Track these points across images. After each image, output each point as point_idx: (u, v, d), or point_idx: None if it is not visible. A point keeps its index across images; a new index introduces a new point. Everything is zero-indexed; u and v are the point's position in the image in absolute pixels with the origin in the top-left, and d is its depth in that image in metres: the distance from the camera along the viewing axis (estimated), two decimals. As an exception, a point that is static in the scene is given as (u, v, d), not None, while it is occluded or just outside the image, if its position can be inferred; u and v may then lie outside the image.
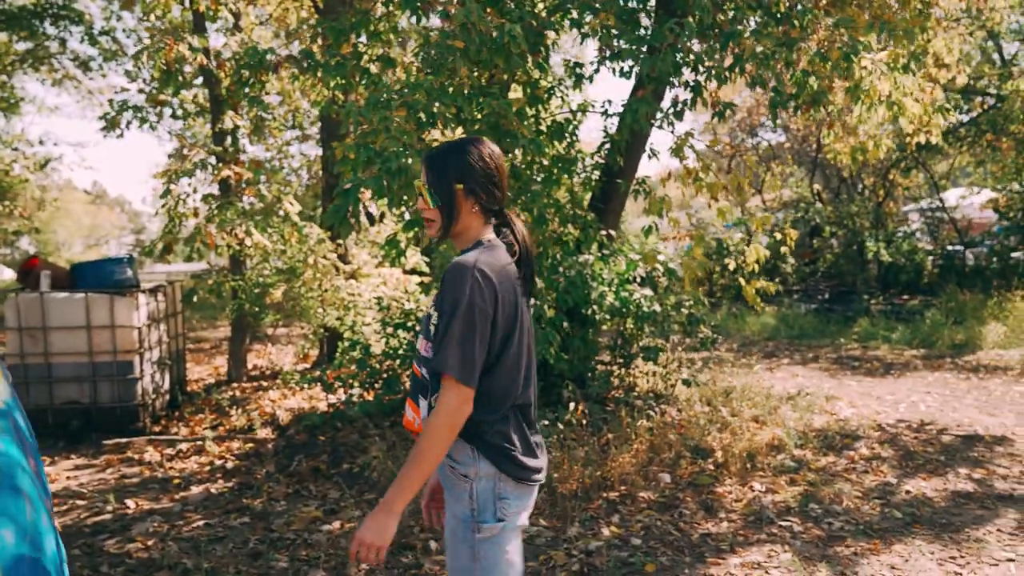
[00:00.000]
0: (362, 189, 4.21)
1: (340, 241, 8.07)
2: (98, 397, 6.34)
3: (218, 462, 5.60)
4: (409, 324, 5.97)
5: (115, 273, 6.71)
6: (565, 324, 5.67)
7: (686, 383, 5.94)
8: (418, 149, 4.28)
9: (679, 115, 5.53)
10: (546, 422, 5.37)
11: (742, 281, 6.33)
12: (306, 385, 6.05)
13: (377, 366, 5.87)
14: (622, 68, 5.20)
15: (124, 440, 6.12)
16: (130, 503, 4.76)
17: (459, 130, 5.33)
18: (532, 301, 5.39)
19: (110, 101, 7.12)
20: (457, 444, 1.98)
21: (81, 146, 28.77)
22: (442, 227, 2.03)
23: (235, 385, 7.69)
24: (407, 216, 5.43)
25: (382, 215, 8.66)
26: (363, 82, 5.00)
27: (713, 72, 5.22)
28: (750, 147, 22.27)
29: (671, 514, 4.37)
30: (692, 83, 5.28)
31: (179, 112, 7.94)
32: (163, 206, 7.33)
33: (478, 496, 1.98)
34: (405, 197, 4.45)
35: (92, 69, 15.97)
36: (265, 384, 7.97)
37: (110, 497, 4.80)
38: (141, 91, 7.69)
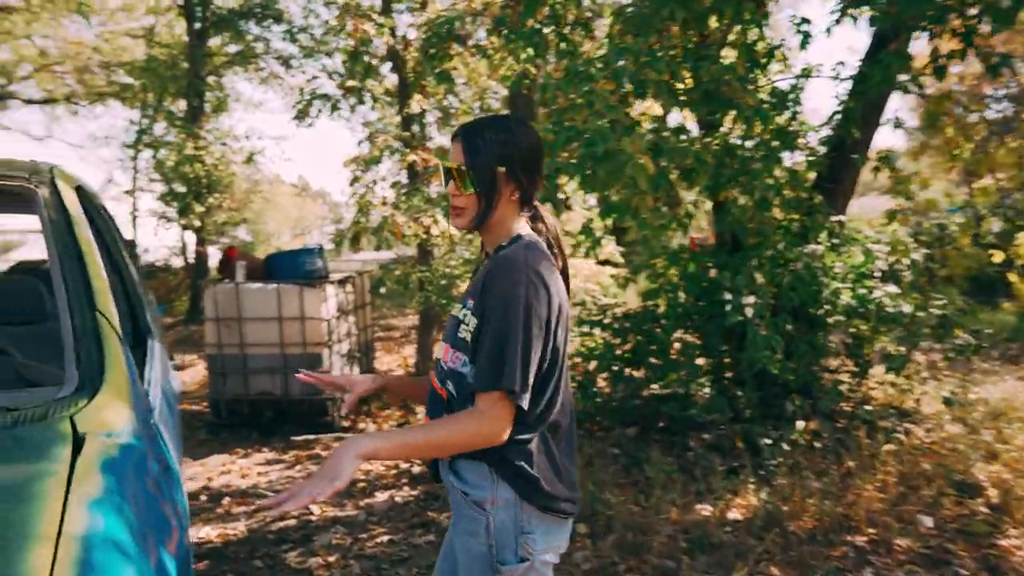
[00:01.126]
0: (560, 175, 3.65)
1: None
2: (289, 389, 6.27)
3: (404, 465, 5.29)
4: (605, 321, 5.37)
5: (306, 264, 6.63)
6: (789, 326, 4.84)
7: (947, 402, 4.89)
8: (626, 126, 3.65)
9: (940, 72, 4.50)
10: (768, 441, 4.58)
11: (1013, 277, 5.15)
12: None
13: (571, 368, 5.33)
14: (872, 16, 4.27)
15: (312, 436, 6.00)
16: (315, 508, 4.52)
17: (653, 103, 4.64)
18: (752, 299, 4.62)
19: (300, 90, 7.11)
20: (470, 465, 1.69)
21: (283, 139, 30.82)
22: (476, 217, 1.73)
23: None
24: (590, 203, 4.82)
25: (566, 199, 8.14)
26: (559, 52, 4.43)
27: (990, 13, 4.16)
28: (976, 118, 19.61)
29: (942, 573, 3.47)
30: (963, 29, 4.24)
31: (367, 99, 7.82)
32: (352, 195, 7.20)
33: (496, 531, 1.66)
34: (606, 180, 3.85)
35: (292, 66, 16.69)
36: (451, 379, 7.67)
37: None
38: (332, 80, 7.63)
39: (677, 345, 5.21)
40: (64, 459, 1.31)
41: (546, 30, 4.54)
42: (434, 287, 6.70)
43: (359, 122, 12.98)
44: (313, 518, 4.40)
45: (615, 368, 5.26)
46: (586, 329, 5.40)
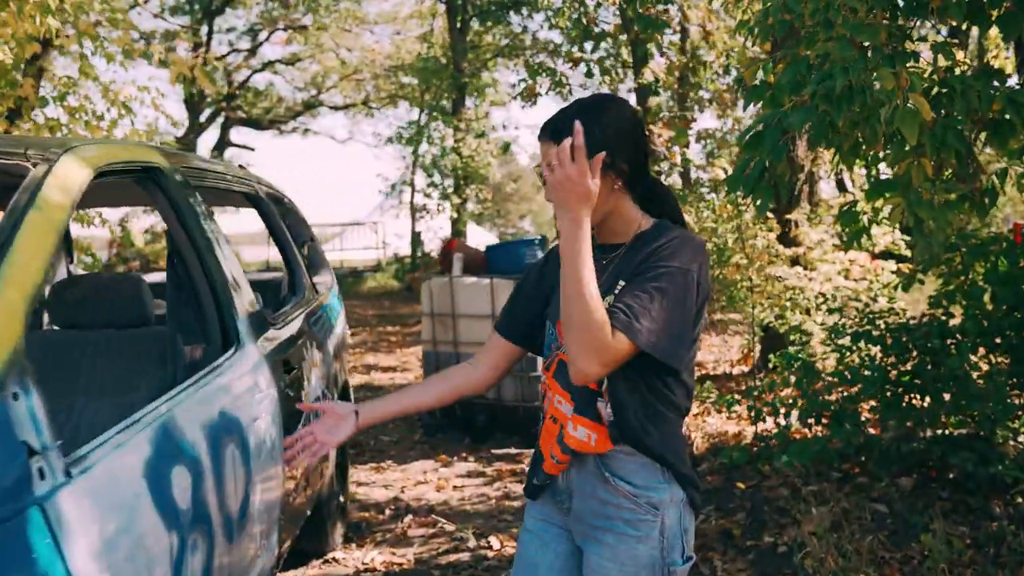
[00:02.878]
0: (786, 131, 2.61)
1: (791, 216, 6.38)
2: (501, 394, 5.74)
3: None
4: (875, 333, 4.10)
5: (525, 256, 6.05)
6: None
7: None
8: (887, 54, 2.50)
9: None
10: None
11: None
12: (724, 406, 4.60)
13: (825, 392, 4.15)
14: None
15: (515, 451, 5.41)
16: (494, 542, 3.89)
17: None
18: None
19: (526, 64, 6.55)
20: (640, 467, 1.61)
21: (537, 127, 31.15)
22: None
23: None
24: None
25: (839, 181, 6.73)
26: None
27: None
28: None
29: None
30: None
31: (595, 70, 7.02)
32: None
33: (669, 531, 1.61)
34: (861, 140, 2.71)
35: (559, 55, 16.43)
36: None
37: (469, 533, 4.00)
38: (556, 52, 6.92)
39: (979, 370, 3.82)
40: None
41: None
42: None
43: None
44: (488, 556, 3.77)
45: (888, 395, 4.00)
46: (845, 341, 4.18)
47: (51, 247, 1.53)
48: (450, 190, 12.47)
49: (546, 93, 6.68)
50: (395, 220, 20.02)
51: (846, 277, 5.55)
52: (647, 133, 6.10)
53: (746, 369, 7.03)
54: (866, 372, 4.06)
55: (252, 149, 34.39)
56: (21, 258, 1.42)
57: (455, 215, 12.76)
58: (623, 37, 6.67)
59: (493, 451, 5.45)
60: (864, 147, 2.87)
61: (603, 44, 6.17)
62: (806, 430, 4.20)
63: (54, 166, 1.74)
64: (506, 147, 13.24)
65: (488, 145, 12.75)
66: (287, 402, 2.63)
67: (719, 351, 9.02)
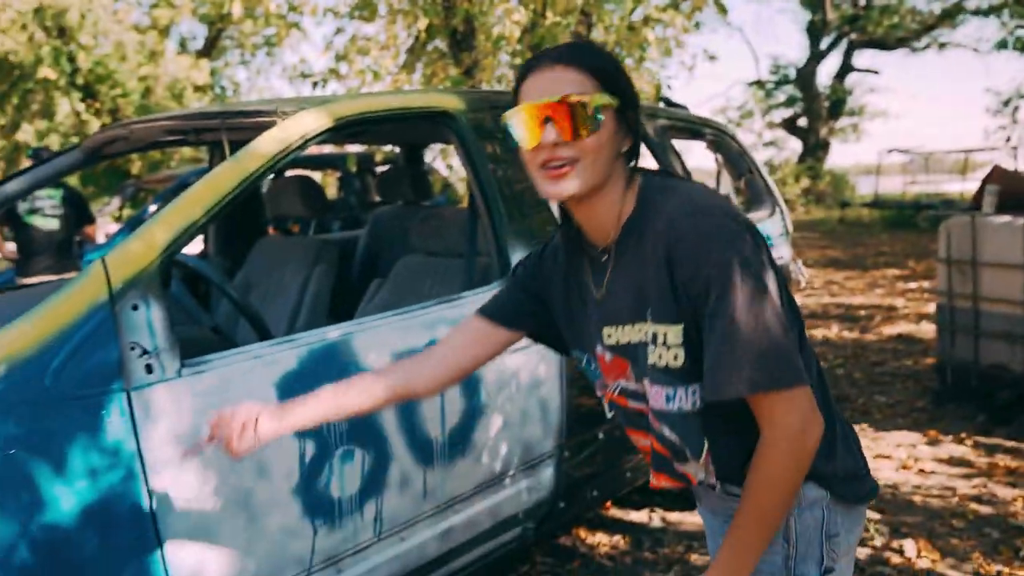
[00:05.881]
0: None
1: None
2: (1035, 366, 4.42)
3: None
4: None
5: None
6: None
7: None
8: None
9: None
10: None
11: None
12: None
13: None
14: None
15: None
16: (908, 547, 3.12)
17: None
18: None
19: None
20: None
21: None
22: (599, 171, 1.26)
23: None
24: None
25: None
26: None
27: None
28: None
29: None
30: None
31: None
32: None
33: (799, 536, 1.27)
34: None
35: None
36: None
37: (874, 530, 3.25)
38: None
39: None
40: None
41: None
42: None
43: None
44: (895, 559, 3.05)
45: None
46: None
47: (220, 193, 1.80)
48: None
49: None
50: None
51: None
52: None
53: None
54: None
55: (876, 72, 31.99)
56: (182, 203, 1.75)
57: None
58: None
59: (1005, 441, 4.27)
60: None
61: None
62: None
63: (286, 120, 2.04)
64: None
65: None
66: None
67: None
